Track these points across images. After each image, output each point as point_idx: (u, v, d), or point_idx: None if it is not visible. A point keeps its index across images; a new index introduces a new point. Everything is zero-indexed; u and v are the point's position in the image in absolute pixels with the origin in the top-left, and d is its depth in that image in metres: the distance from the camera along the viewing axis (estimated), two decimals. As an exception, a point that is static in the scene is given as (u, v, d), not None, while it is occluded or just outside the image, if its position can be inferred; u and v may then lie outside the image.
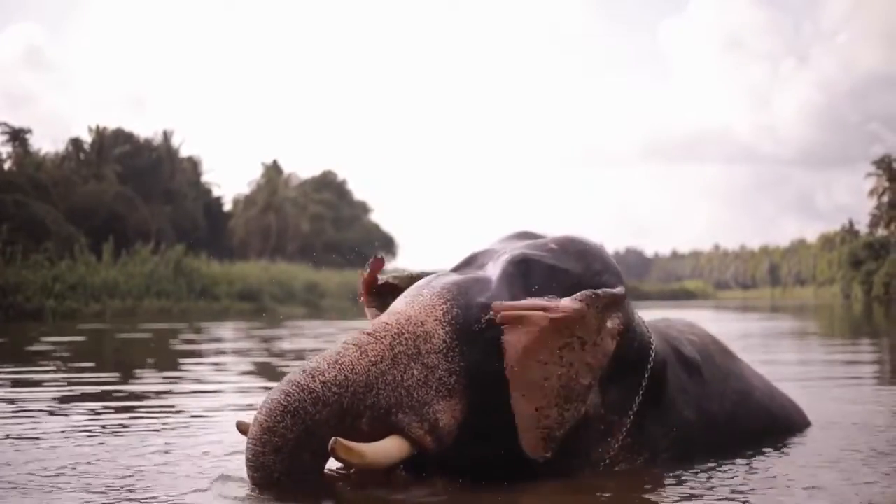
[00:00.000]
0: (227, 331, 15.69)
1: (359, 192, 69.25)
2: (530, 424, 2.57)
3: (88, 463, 3.12)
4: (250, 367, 7.89)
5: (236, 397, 5.48)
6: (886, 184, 59.88)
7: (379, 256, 3.14)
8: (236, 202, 54.29)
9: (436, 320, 2.59)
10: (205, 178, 52.04)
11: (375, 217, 59.70)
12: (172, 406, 4.89)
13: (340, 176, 59.28)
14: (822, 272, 79.60)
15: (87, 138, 43.06)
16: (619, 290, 2.70)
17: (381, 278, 3.17)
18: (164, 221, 41.40)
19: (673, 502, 2.56)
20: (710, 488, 2.69)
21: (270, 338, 12.67)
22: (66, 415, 4.44)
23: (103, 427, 4.00)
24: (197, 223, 46.15)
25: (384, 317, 2.66)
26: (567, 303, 2.58)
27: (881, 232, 59.63)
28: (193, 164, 50.87)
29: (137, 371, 7.31)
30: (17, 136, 37.75)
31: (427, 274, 2.93)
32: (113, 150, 43.05)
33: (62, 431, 3.85)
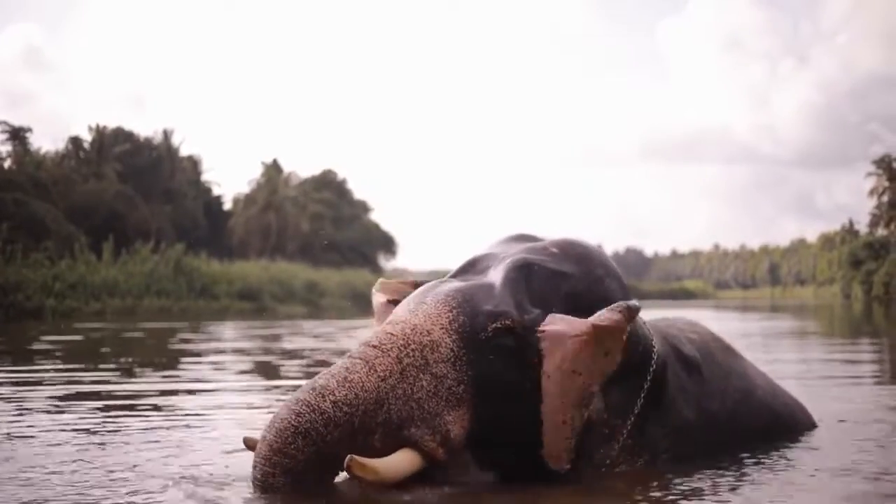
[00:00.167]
0: (226, 330, 15.69)
1: (359, 191, 69.31)
2: (559, 435, 2.55)
3: (86, 462, 3.12)
4: (249, 367, 7.89)
5: (235, 396, 5.47)
6: (886, 183, 59.86)
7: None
8: (236, 201, 54.26)
9: (442, 329, 2.57)
10: (205, 177, 52.07)
11: (375, 216, 59.69)
12: (171, 405, 4.88)
13: (340, 175, 59.23)
14: (822, 272, 79.59)
15: (87, 137, 43.08)
16: (636, 302, 2.69)
17: (391, 284, 3.11)
18: (163, 220, 41.39)
19: (675, 502, 2.56)
20: (711, 488, 2.69)
21: (270, 337, 12.66)
22: (64, 414, 4.44)
23: (102, 426, 3.99)
24: (197, 222, 46.15)
25: (388, 326, 2.62)
26: (608, 314, 2.57)
27: (881, 232, 59.64)
28: (193, 163, 50.86)
29: (136, 370, 7.30)
30: (17, 135, 37.72)
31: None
32: (113, 149, 43.04)
33: (61, 430, 3.84)
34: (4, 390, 5.48)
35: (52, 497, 2.58)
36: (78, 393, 5.42)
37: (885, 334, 13.74)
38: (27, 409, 4.61)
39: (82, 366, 7.56)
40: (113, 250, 27.95)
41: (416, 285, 2.97)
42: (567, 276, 2.73)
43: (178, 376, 6.87)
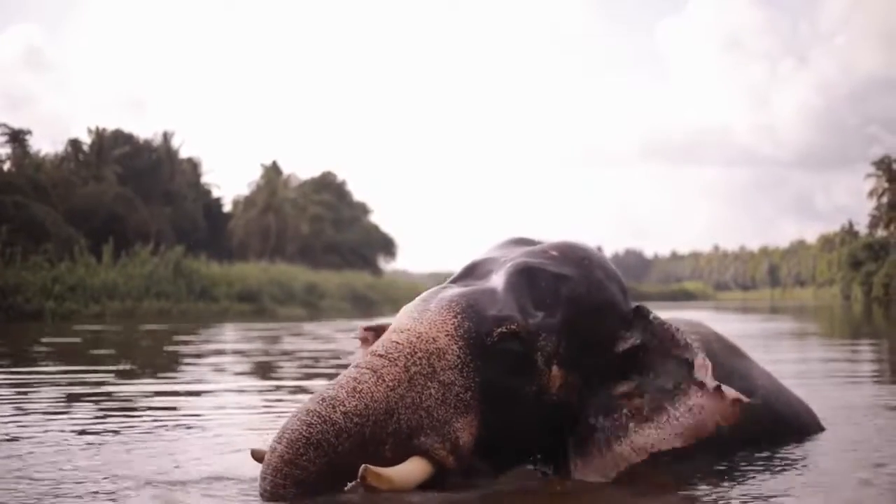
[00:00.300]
0: (226, 332, 15.69)
1: (358, 193, 69.37)
2: (635, 460, 2.63)
3: (83, 462, 3.11)
4: (249, 368, 7.89)
5: (234, 397, 5.47)
6: (886, 185, 59.89)
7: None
8: (236, 203, 54.25)
9: (448, 335, 2.55)
10: (204, 179, 52.05)
11: (375, 218, 59.68)
12: (170, 407, 4.88)
13: (340, 177, 59.19)
14: (822, 273, 79.64)
15: (87, 139, 43.07)
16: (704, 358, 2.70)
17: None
18: (163, 223, 41.37)
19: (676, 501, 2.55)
20: (711, 487, 2.68)
21: (269, 339, 12.65)
22: (63, 416, 4.43)
23: (101, 428, 3.99)
24: (196, 224, 46.14)
25: (392, 335, 2.60)
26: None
27: (881, 233, 59.66)
28: (193, 166, 50.84)
29: (136, 372, 7.30)
30: (17, 138, 37.71)
31: None
32: (112, 152, 43.02)
33: (60, 432, 3.84)
34: (2, 392, 5.47)
35: (47, 501, 2.57)
36: (76, 395, 5.41)
37: (885, 335, 13.74)
38: (25, 411, 4.60)
39: (81, 368, 7.56)
40: (112, 252, 27.93)
41: None
42: (568, 280, 2.72)
43: (177, 378, 6.87)
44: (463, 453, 2.51)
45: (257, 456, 2.59)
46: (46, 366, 7.73)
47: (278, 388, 6.01)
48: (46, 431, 3.86)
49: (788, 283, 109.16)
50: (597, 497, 2.61)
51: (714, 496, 2.61)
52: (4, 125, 37.78)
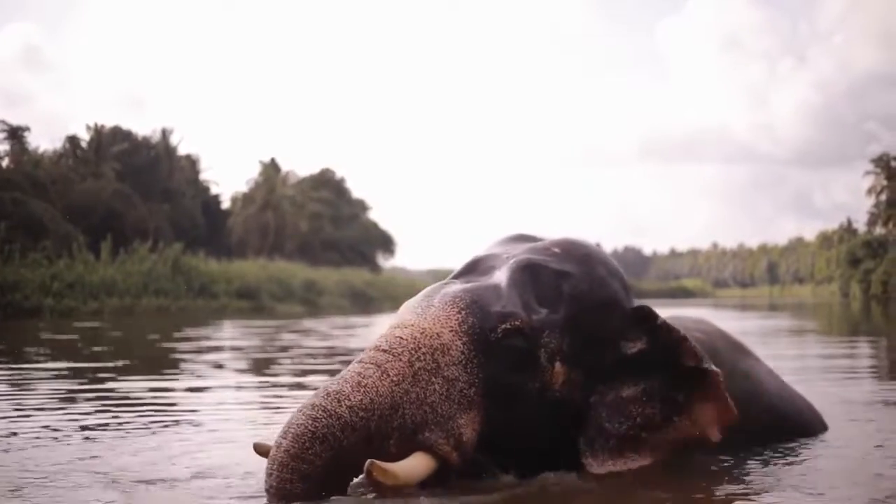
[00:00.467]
0: (225, 329, 15.69)
1: (357, 190, 69.17)
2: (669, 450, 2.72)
3: (81, 460, 3.12)
4: (247, 365, 7.89)
5: (233, 394, 5.47)
6: (885, 182, 59.89)
7: None
8: (234, 200, 54.19)
9: (452, 331, 2.56)
10: (203, 176, 51.96)
11: (374, 215, 59.66)
12: (168, 403, 4.88)
13: (339, 174, 59.11)
14: (821, 270, 79.64)
15: (85, 136, 43.04)
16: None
17: None
18: (162, 220, 41.32)
19: (677, 500, 2.55)
20: (712, 487, 2.68)
21: (268, 335, 12.66)
22: (59, 412, 4.43)
23: (99, 425, 3.99)
24: (195, 221, 46.09)
25: (397, 330, 2.59)
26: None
27: (879, 230, 59.68)
28: (192, 163, 50.78)
29: (134, 368, 7.30)
30: (15, 134, 37.64)
31: None
32: (111, 149, 42.96)
33: (58, 429, 3.84)
34: (1, 388, 5.47)
35: (46, 499, 2.57)
36: (75, 392, 5.41)
37: (884, 333, 13.75)
38: (22, 407, 4.60)
39: (79, 365, 7.55)
40: (111, 249, 27.89)
41: None
42: (570, 276, 2.72)
43: (175, 375, 6.86)
44: (466, 449, 2.51)
45: (260, 450, 2.58)
46: (45, 362, 7.73)
47: (276, 384, 6.01)
48: (43, 427, 3.86)
49: (787, 281, 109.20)
50: (598, 494, 2.61)
51: (714, 493, 2.61)
52: (3, 122, 37.73)
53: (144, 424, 3.98)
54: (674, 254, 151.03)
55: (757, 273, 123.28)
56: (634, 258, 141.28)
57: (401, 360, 2.49)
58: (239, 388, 5.91)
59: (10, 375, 6.45)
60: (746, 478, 2.80)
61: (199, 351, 9.52)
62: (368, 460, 2.32)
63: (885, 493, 2.61)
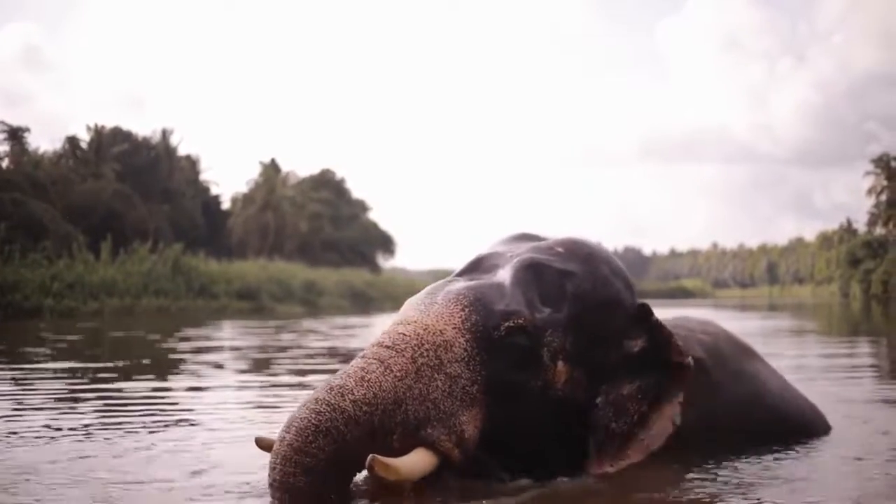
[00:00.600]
0: (224, 329, 15.69)
1: (357, 190, 69.19)
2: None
3: (81, 459, 3.12)
4: (247, 365, 7.89)
5: (233, 394, 5.47)
6: (885, 182, 59.87)
7: None
8: (234, 201, 54.19)
9: (455, 328, 2.56)
10: (203, 176, 51.97)
11: (374, 216, 59.65)
12: (169, 403, 4.88)
13: (339, 174, 59.16)
14: (821, 271, 79.67)
15: (85, 137, 43.03)
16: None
17: None
18: (162, 220, 41.32)
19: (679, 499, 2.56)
20: (708, 488, 2.69)
21: (268, 335, 12.65)
22: (61, 412, 4.43)
23: (98, 424, 3.99)
24: (195, 222, 46.09)
25: (399, 327, 2.60)
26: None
27: (879, 230, 59.67)
28: (192, 163, 50.78)
29: (134, 369, 7.30)
30: (15, 135, 37.62)
31: None
32: (111, 149, 42.96)
33: (58, 429, 3.84)
34: (2, 388, 5.47)
35: (45, 499, 2.57)
36: (75, 392, 5.41)
37: (884, 333, 13.75)
38: (22, 408, 4.60)
39: (79, 365, 7.55)
40: (111, 250, 27.87)
41: None
42: (573, 276, 2.73)
43: (174, 374, 6.86)
44: (468, 446, 2.51)
45: (262, 445, 2.59)
46: (44, 363, 7.73)
47: (276, 384, 6.01)
48: (42, 426, 3.86)
49: (787, 281, 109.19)
50: (600, 494, 2.61)
51: (715, 493, 2.61)
52: (3, 122, 37.72)
53: (144, 424, 3.99)
54: (674, 254, 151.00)
55: (757, 273, 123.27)
56: (634, 258, 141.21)
57: (404, 355, 2.49)
58: (239, 388, 5.91)
59: (11, 375, 6.45)
60: (746, 477, 2.79)
61: (199, 351, 9.51)
62: (371, 455, 2.32)
63: (885, 492, 2.61)
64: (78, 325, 16.13)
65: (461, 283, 2.72)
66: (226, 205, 53.72)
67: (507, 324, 2.57)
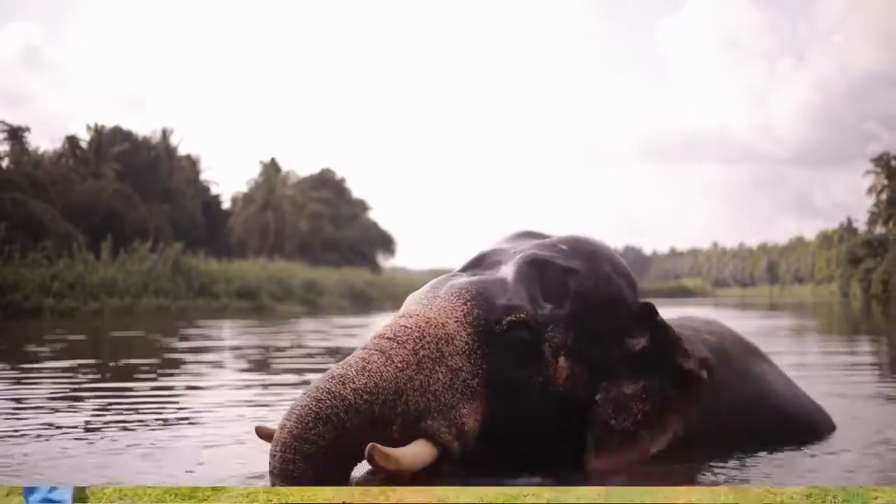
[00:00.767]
0: (224, 328, 15.69)
1: (357, 190, 69.07)
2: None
3: (81, 458, 3.12)
4: (247, 365, 7.89)
5: (232, 393, 5.47)
6: (885, 181, 59.85)
7: None
8: (234, 200, 54.17)
9: (457, 322, 2.57)
10: (203, 176, 51.94)
11: (374, 215, 59.60)
12: (169, 402, 4.88)
13: (339, 174, 59.09)
14: (821, 270, 79.65)
15: (85, 136, 43.03)
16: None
17: None
18: (162, 220, 41.31)
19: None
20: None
21: (268, 335, 12.65)
22: (61, 412, 4.43)
23: (98, 423, 3.98)
24: (195, 221, 46.09)
25: (402, 319, 2.62)
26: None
27: (879, 230, 59.63)
28: (192, 163, 50.77)
29: (134, 368, 7.30)
30: (15, 135, 37.60)
31: None
32: (111, 149, 42.95)
33: (59, 428, 3.84)
34: (2, 388, 5.47)
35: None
36: (76, 391, 5.41)
37: (884, 332, 13.75)
38: (22, 407, 4.60)
39: (79, 364, 7.55)
40: (111, 249, 27.87)
41: None
42: (576, 273, 2.74)
43: (174, 374, 6.86)
44: (468, 439, 2.51)
45: (262, 434, 2.60)
46: (44, 362, 7.73)
47: (276, 384, 6.01)
48: (42, 425, 3.86)
49: (787, 280, 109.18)
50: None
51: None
52: (3, 122, 37.71)
53: (144, 422, 3.98)
54: (674, 253, 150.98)
55: (757, 273, 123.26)
56: (634, 258, 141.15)
57: (405, 347, 2.51)
58: (238, 387, 5.91)
59: (11, 374, 6.45)
60: (746, 477, 2.79)
61: (199, 350, 9.51)
62: (370, 444, 2.32)
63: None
64: (78, 325, 16.13)
65: (464, 278, 2.74)
66: (226, 204, 53.71)
67: (508, 318, 2.58)
